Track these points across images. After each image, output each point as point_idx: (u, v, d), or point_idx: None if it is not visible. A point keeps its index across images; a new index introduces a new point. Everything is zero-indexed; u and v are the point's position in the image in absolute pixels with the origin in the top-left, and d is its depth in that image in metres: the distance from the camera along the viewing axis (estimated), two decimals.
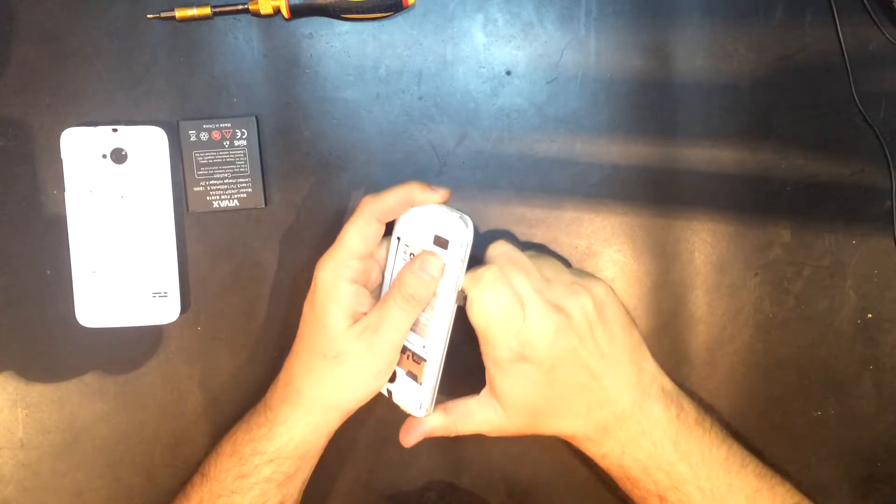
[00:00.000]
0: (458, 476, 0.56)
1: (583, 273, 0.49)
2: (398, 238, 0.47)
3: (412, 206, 0.46)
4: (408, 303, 0.45)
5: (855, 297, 0.56)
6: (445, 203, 0.46)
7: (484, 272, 0.45)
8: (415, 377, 0.47)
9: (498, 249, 0.47)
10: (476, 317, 0.45)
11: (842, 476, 0.57)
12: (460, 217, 0.44)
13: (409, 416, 0.48)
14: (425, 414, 0.47)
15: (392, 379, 0.47)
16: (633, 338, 0.48)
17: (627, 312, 0.48)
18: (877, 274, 0.56)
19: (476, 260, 0.46)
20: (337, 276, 0.45)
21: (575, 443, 0.49)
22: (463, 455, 0.56)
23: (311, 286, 0.47)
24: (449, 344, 0.46)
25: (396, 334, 0.45)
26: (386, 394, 0.48)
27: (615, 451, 0.48)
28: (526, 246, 0.55)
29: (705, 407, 0.56)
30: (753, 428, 0.56)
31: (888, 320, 0.56)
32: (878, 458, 0.57)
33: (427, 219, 0.46)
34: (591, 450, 0.49)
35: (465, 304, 0.45)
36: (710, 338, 0.56)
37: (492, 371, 0.47)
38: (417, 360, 0.47)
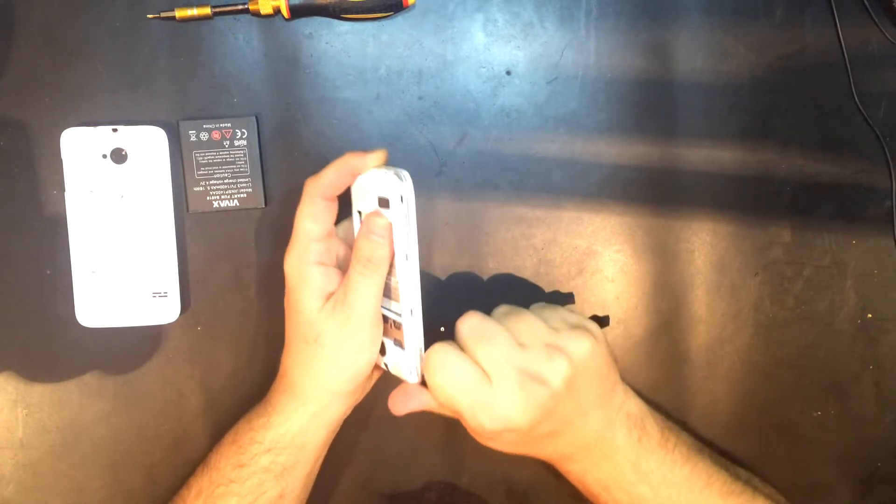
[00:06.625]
0: (458, 476, 0.56)
1: (564, 325, 0.47)
2: (358, 212, 0.47)
3: (354, 175, 0.46)
4: (366, 267, 0.44)
5: (855, 297, 0.56)
6: (385, 164, 0.46)
7: (428, 355, 0.45)
8: (400, 343, 0.46)
9: (466, 324, 0.46)
10: (438, 398, 0.45)
11: (842, 476, 0.57)
12: (395, 173, 0.43)
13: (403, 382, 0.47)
14: (418, 379, 0.46)
15: (384, 352, 0.47)
16: (609, 381, 0.47)
17: (609, 355, 0.47)
18: (877, 274, 0.56)
19: (449, 334, 0.46)
20: (302, 263, 0.46)
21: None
22: (463, 455, 0.56)
23: (285, 282, 0.47)
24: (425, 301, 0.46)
25: (366, 301, 0.44)
26: (384, 367, 0.48)
27: (576, 472, 0.48)
28: (527, 245, 0.55)
29: (705, 408, 0.56)
30: (753, 428, 0.56)
31: (888, 320, 0.56)
32: (878, 458, 0.57)
33: (370, 183, 0.45)
34: (555, 466, 0.50)
35: None
36: (710, 338, 0.56)
37: (473, 436, 0.47)
38: (397, 325, 0.46)
